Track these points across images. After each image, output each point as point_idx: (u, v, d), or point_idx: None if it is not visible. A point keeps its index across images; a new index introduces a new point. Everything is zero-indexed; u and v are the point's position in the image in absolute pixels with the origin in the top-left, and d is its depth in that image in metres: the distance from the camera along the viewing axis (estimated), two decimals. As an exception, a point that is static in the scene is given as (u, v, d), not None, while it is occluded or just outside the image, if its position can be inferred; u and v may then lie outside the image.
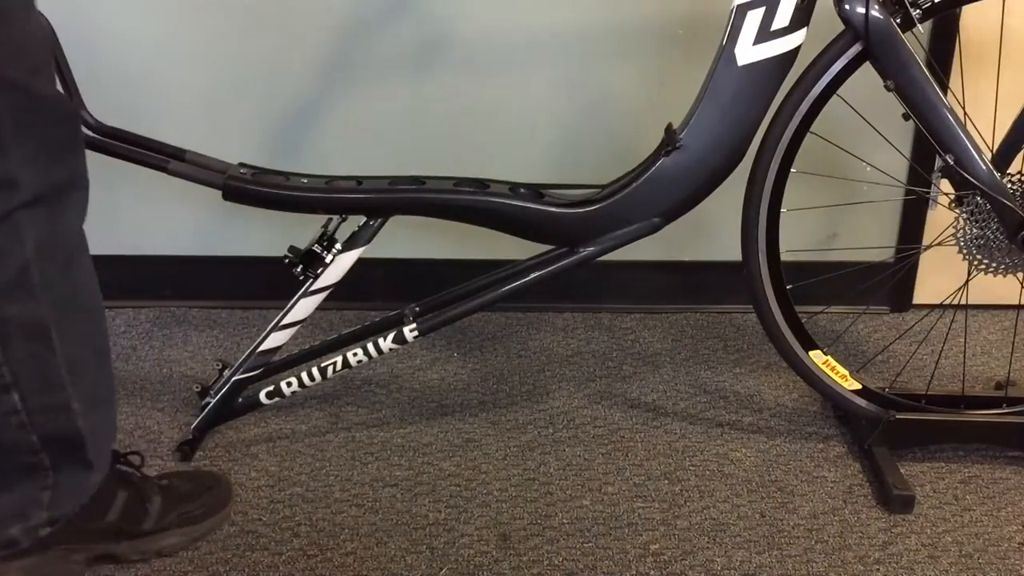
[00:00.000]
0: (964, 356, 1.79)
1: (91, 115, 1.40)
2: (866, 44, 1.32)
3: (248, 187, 1.42)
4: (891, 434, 1.50)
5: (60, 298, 1.12)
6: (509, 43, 1.76)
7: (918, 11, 1.32)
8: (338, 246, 1.44)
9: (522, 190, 1.45)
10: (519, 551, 1.36)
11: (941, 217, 1.69)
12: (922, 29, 1.34)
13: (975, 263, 1.44)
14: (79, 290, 1.17)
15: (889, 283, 1.90)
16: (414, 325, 1.48)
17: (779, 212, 1.42)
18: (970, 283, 1.49)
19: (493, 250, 1.70)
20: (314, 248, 1.44)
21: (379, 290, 1.93)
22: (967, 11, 1.67)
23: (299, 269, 1.45)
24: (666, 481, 1.49)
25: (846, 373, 1.50)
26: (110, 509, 1.27)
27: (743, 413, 1.65)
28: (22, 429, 1.14)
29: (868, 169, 1.63)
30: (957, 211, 1.42)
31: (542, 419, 1.63)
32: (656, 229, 1.43)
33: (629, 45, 1.76)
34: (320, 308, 1.48)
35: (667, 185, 1.39)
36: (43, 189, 1.07)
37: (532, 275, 1.47)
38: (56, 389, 1.14)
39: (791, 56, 1.33)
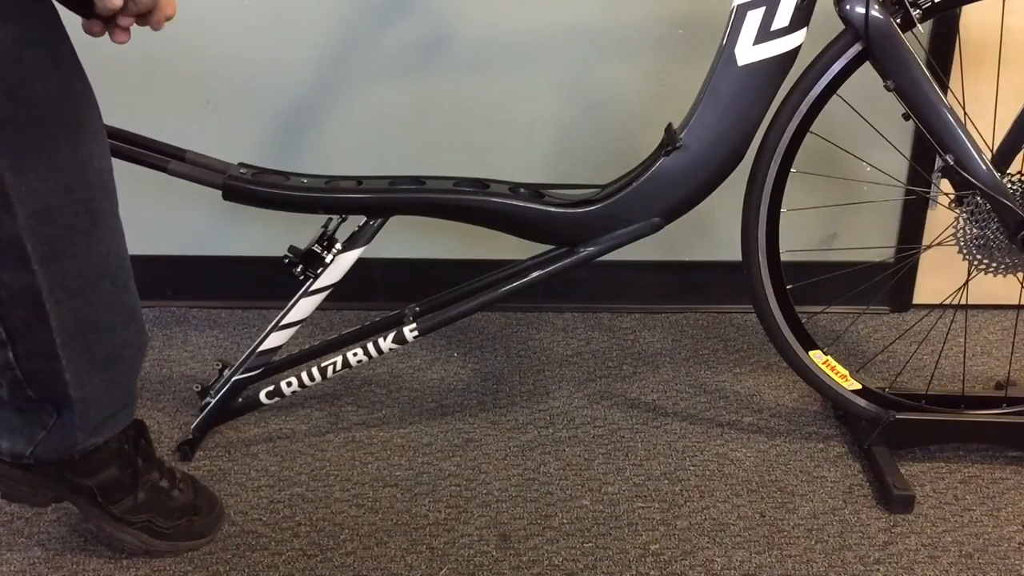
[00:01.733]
0: (964, 356, 1.79)
1: (91, 115, 1.40)
2: (866, 44, 1.32)
3: (248, 187, 1.42)
4: (891, 434, 1.50)
5: (68, 268, 1.12)
6: (509, 43, 1.76)
7: (918, 11, 1.32)
8: (338, 246, 1.44)
9: (522, 190, 1.45)
10: (519, 551, 1.36)
11: (941, 217, 1.69)
12: (922, 29, 1.34)
13: (975, 263, 1.44)
14: (96, 257, 1.15)
15: (889, 283, 1.90)
16: (414, 325, 1.48)
17: (779, 212, 1.42)
18: (970, 283, 1.49)
19: (493, 250, 1.70)
20: (314, 248, 1.44)
21: (379, 290, 1.93)
22: (967, 11, 1.67)
23: (299, 269, 1.45)
24: (666, 481, 1.49)
25: (846, 373, 1.50)
26: (95, 475, 1.27)
27: (743, 413, 1.65)
28: (18, 384, 1.17)
29: (868, 169, 1.63)
30: (957, 211, 1.42)
31: (542, 419, 1.63)
32: (656, 229, 1.43)
33: (629, 45, 1.76)
34: (320, 308, 1.48)
35: (667, 185, 1.40)
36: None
37: (532, 275, 1.47)
38: (47, 358, 1.15)
39: (791, 56, 1.33)
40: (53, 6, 1.05)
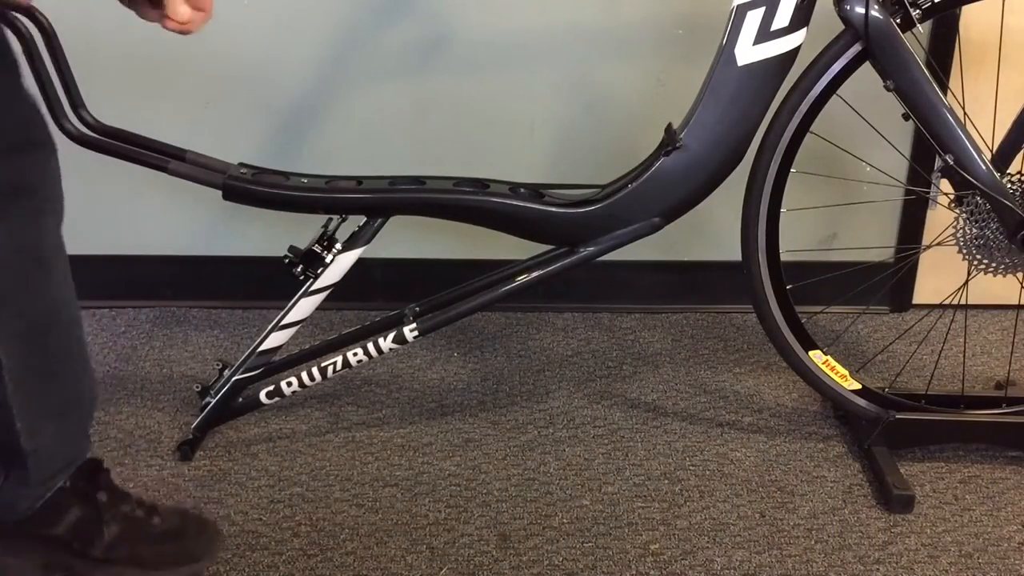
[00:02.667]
0: (964, 356, 1.79)
1: (91, 115, 1.40)
2: (866, 44, 1.32)
3: (248, 187, 1.42)
4: (891, 434, 1.50)
5: (19, 314, 1.09)
6: (509, 43, 1.76)
7: (918, 11, 1.32)
8: (338, 246, 1.44)
9: (522, 190, 1.45)
10: (519, 551, 1.36)
11: (941, 217, 1.69)
12: (922, 29, 1.34)
13: (975, 263, 1.44)
14: (47, 305, 1.13)
15: (889, 283, 1.90)
16: (414, 325, 1.48)
17: (779, 212, 1.42)
18: (970, 283, 1.49)
19: (493, 250, 1.70)
20: (314, 248, 1.44)
21: (379, 290, 1.93)
22: (967, 11, 1.67)
23: (299, 269, 1.45)
24: (666, 481, 1.49)
25: (846, 373, 1.50)
26: (60, 522, 1.22)
27: (743, 413, 1.65)
28: None
29: (868, 169, 1.63)
30: (957, 211, 1.42)
31: (542, 419, 1.63)
32: (656, 229, 1.43)
33: (629, 45, 1.76)
34: (320, 308, 1.48)
35: (667, 185, 1.39)
36: None
37: (532, 275, 1.47)
38: None
39: (791, 56, 1.33)
40: (3, 34, 1.04)
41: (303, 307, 1.47)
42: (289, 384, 1.53)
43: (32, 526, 1.21)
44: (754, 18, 1.30)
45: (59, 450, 1.20)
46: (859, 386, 1.50)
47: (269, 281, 1.65)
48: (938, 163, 1.38)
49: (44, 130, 1.12)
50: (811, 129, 1.39)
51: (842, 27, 1.34)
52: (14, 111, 1.08)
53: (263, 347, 1.50)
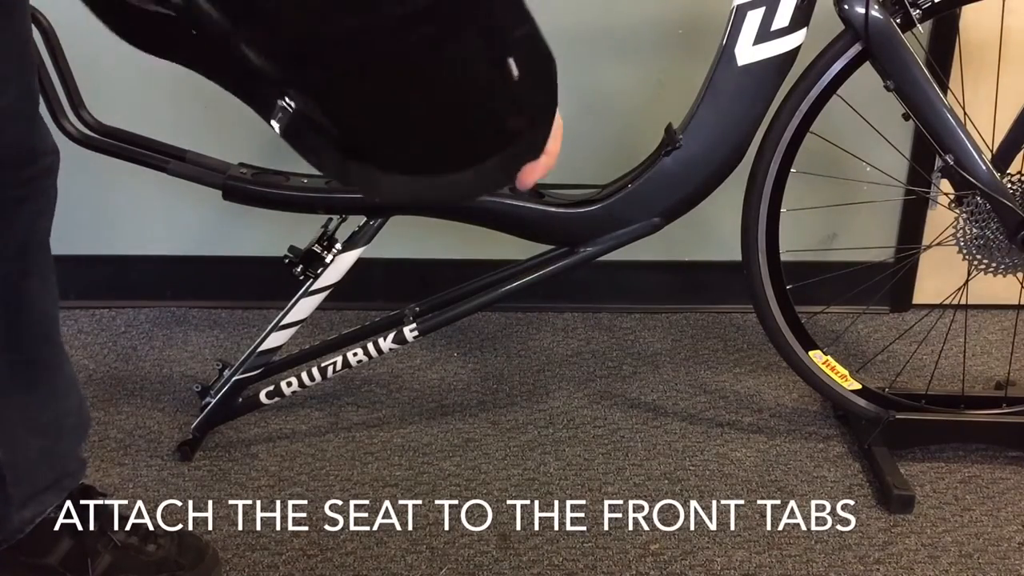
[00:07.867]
0: (964, 356, 1.79)
1: (91, 115, 1.40)
2: (866, 44, 1.32)
3: (248, 187, 1.42)
4: (891, 434, 1.50)
5: (5, 324, 1.07)
6: (509, 43, 1.76)
7: (918, 11, 1.32)
8: (338, 246, 1.44)
9: (522, 190, 1.45)
10: (519, 551, 1.36)
11: (941, 217, 1.69)
12: (922, 29, 1.34)
13: (975, 263, 1.44)
14: (33, 317, 1.11)
15: (889, 283, 1.90)
16: (414, 325, 1.48)
17: (779, 212, 1.42)
18: (970, 283, 1.49)
19: (493, 250, 1.70)
20: (314, 248, 1.44)
21: (379, 290, 1.93)
22: (967, 11, 1.67)
23: (299, 269, 1.45)
24: (666, 481, 1.49)
25: (846, 373, 1.50)
26: (51, 552, 1.19)
27: (743, 413, 1.65)
28: None
29: (868, 169, 1.63)
30: (957, 211, 1.42)
31: (542, 419, 1.63)
32: (656, 229, 1.43)
33: (629, 45, 1.76)
34: (320, 308, 1.48)
35: (667, 185, 1.40)
36: None
37: (532, 275, 1.47)
38: None
39: (791, 56, 1.33)
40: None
41: (303, 307, 1.47)
42: (289, 384, 1.53)
43: (23, 555, 1.19)
44: (754, 18, 1.30)
45: (44, 468, 1.17)
46: (859, 386, 1.50)
47: (269, 281, 1.65)
48: (938, 163, 1.38)
49: (48, 136, 1.10)
50: (811, 129, 1.39)
51: (842, 27, 1.34)
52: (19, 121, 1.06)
53: (263, 347, 1.50)
